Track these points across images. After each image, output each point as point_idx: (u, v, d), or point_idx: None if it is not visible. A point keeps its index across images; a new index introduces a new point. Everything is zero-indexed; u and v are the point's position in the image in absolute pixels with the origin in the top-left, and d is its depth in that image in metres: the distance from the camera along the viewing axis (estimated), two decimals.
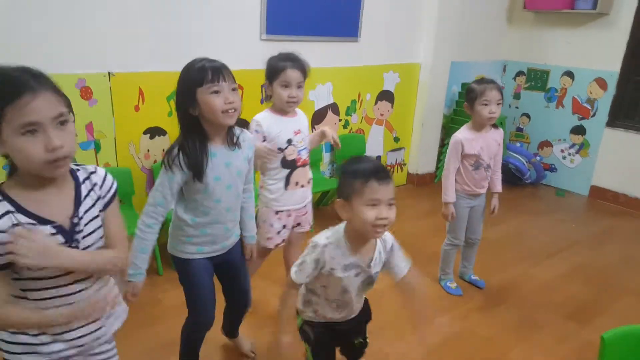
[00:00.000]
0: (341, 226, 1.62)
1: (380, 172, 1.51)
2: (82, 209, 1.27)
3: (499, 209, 2.98)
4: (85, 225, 1.27)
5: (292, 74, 2.24)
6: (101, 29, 2.87)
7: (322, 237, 1.60)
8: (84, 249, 1.27)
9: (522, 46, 5.41)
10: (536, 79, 5.35)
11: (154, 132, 3.25)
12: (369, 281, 1.68)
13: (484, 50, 5.32)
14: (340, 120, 4.32)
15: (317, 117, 4.15)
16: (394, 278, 1.72)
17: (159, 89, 3.14)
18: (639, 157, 4.63)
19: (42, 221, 1.19)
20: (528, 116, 5.48)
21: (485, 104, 2.67)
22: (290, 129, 2.35)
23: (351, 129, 4.46)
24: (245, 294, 2.18)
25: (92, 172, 1.33)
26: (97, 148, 3.02)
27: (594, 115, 4.92)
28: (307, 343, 1.80)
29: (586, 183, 5.04)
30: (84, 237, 1.27)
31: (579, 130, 5.06)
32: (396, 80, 4.67)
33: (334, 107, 4.24)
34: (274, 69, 2.27)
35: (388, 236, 1.69)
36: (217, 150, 1.78)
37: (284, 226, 2.49)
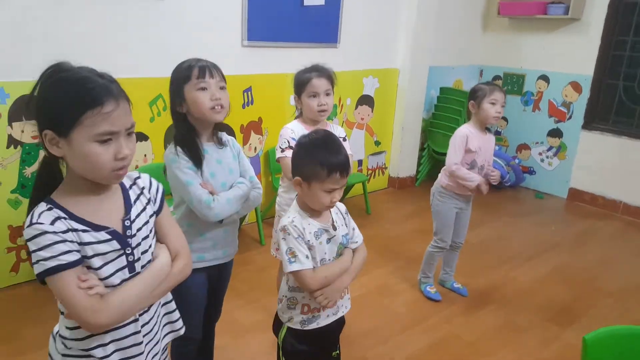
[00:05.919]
0: (293, 205, 1.65)
1: (344, 166, 1.56)
2: (133, 212, 1.23)
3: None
4: (138, 230, 1.22)
5: (318, 83, 2.25)
6: (85, 36, 2.86)
7: (285, 219, 1.60)
8: (136, 260, 1.21)
9: (498, 51, 5.49)
10: (512, 83, 5.42)
11: (136, 137, 3.18)
12: (341, 248, 1.67)
13: (461, 55, 5.39)
14: None
15: None
16: (350, 244, 1.73)
17: (142, 94, 3.09)
18: (615, 159, 4.70)
19: (96, 227, 1.15)
20: (506, 120, 5.54)
21: (493, 103, 2.73)
22: None
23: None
24: (215, 316, 2.11)
25: (137, 178, 1.30)
26: None
27: (570, 118, 5.01)
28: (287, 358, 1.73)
29: (564, 185, 5.12)
30: (137, 245, 1.21)
31: (555, 133, 5.13)
32: (375, 85, 4.68)
33: None
34: (301, 82, 2.28)
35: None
36: (208, 147, 1.78)
37: None
